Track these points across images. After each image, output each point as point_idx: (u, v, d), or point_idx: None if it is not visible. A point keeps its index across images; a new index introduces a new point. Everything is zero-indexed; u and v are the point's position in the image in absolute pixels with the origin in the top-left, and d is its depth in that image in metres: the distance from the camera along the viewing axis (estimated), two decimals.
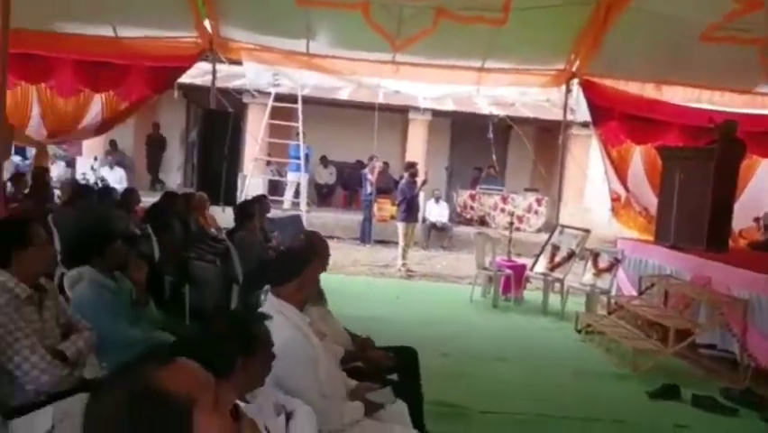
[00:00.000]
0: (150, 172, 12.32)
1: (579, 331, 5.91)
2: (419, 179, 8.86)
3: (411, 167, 8.91)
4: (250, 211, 5.32)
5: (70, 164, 11.56)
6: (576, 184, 12.03)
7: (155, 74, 7.31)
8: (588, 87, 7.43)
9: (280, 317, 2.19)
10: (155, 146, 12.32)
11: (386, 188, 11.67)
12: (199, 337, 1.80)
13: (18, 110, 6.78)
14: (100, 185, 8.58)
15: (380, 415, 2.40)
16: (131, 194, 6.00)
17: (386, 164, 12.15)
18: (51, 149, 9.18)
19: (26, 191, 6.45)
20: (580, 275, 6.92)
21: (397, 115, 12.65)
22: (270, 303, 2.32)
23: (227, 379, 1.68)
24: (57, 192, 7.35)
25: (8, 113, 6.68)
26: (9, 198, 6.30)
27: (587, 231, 7.10)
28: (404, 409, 2.51)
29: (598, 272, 6.58)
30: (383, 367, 2.94)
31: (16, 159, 10.85)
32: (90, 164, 10.45)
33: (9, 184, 7.11)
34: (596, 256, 6.69)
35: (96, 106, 7.40)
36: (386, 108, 10.68)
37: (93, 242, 3.02)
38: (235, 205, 6.18)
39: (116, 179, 10.60)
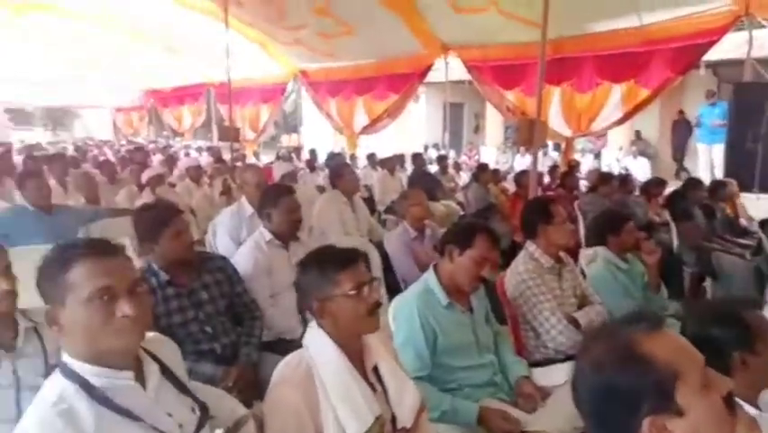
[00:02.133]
0: (675, 160, 11.86)
1: None
2: None
3: None
4: None
5: (597, 156, 12.44)
6: None
7: (678, 54, 6.98)
8: None
9: None
10: (680, 133, 11.77)
11: None
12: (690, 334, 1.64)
13: (545, 110, 7.75)
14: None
15: None
16: (652, 182, 6.00)
17: None
18: (579, 143, 10.08)
19: (558, 181, 7.34)
20: None
21: None
22: None
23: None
24: (583, 182, 8.05)
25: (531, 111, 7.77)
26: (544, 188, 7.35)
27: None
28: None
29: None
30: None
31: (554, 154, 12.47)
32: (615, 155, 10.95)
33: (547, 175, 8.28)
34: None
35: (615, 98, 7.64)
36: None
37: (607, 224, 3.22)
38: None
39: (640, 168, 10.71)
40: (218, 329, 2.39)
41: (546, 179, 8.06)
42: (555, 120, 8.02)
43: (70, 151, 11.07)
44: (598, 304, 2.74)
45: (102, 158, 9.12)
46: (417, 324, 2.17)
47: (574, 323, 2.56)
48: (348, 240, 3.96)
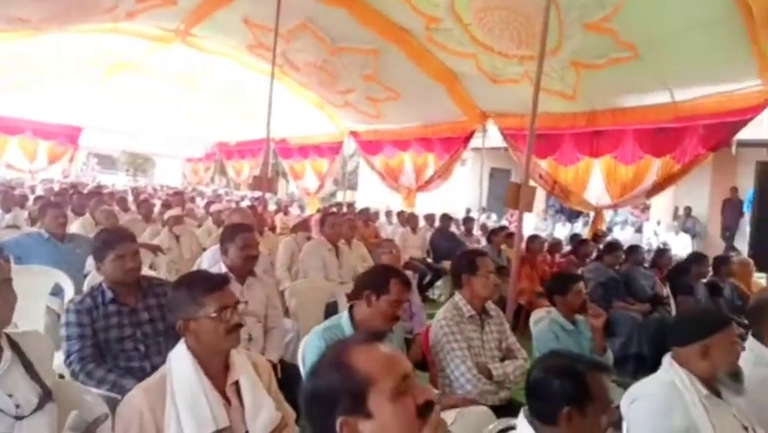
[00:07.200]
0: (724, 239, 11.23)
1: None
2: None
3: None
4: None
5: (639, 230, 11.99)
6: None
7: (709, 132, 6.90)
8: None
9: (663, 387, 1.83)
10: (731, 212, 11.19)
11: None
12: (532, 377, 1.67)
13: (578, 180, 7.79)
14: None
15: None
16: (661, 254, 5.86)
17: None
18: (620, 215, 9.85)
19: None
20: None
21: None
22: (665, 366, 1.95)
23: (550, 426, 1.52)
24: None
25: (569, 182, 7.82)
26: (562, 255, 7.25)
27: None
28: None
29: None
30: None
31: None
32: (653, 229, 10.53)
33: (568, 243, 8.17)
34: None
35: (652, 171, 7.55)
36: None
37: (555, 284, 3.25)
38: None
39: (680, 244, 10.25)
40: (152, 349, 2.55)
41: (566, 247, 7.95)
42: (593, 191, 8.04)
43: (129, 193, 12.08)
44: (521, 359, 2.77)
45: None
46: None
47: (487, 374, 2.61)
48: (324, 284, 4.16)
